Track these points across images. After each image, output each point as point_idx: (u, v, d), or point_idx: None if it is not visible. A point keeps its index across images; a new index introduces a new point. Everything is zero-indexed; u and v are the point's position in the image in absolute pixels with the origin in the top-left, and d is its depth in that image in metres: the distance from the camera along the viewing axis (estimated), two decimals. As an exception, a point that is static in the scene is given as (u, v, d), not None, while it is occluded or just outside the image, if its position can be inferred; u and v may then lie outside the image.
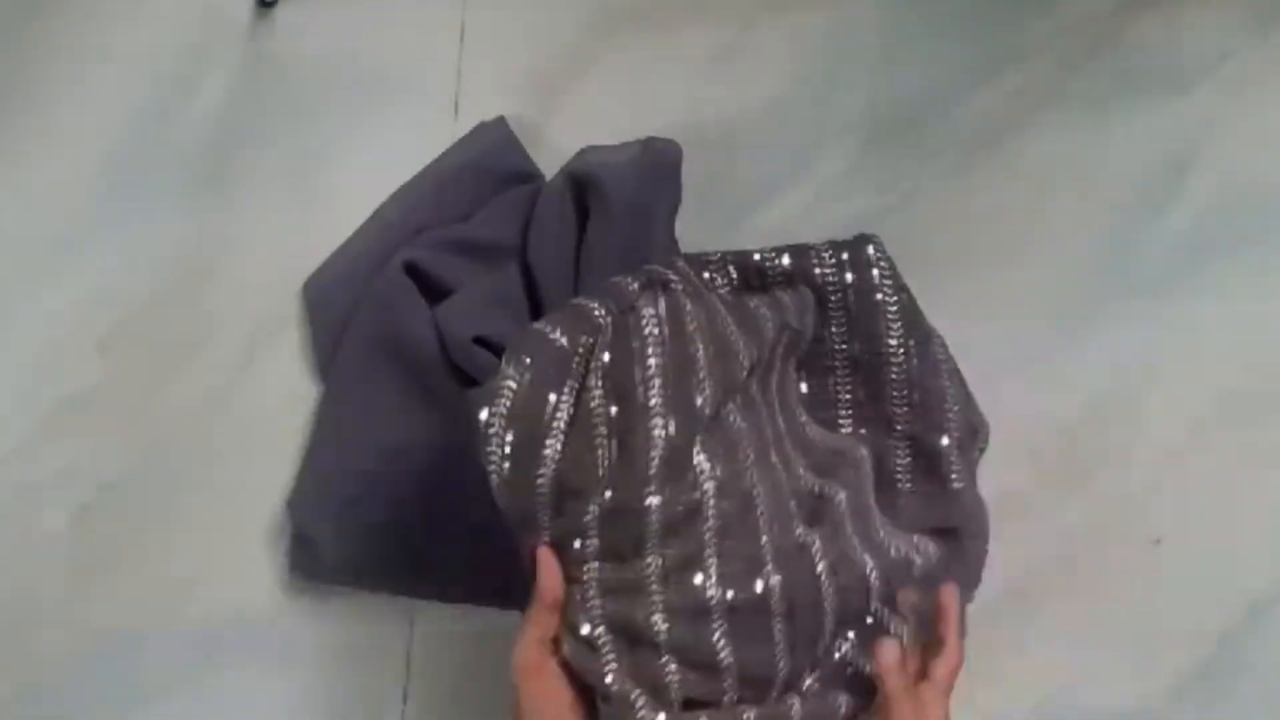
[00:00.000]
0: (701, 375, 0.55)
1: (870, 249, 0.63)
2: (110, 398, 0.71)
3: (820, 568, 0.56)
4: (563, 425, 0.54)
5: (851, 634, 0.59)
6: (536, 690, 0.55)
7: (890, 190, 0.73)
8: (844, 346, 0.64)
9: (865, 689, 0.57)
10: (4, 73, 0.71)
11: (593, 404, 0.54)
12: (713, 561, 0.54)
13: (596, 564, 0.55)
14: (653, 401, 0.54)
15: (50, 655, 0.70)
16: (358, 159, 0.73)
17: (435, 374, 0.68)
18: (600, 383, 0.54)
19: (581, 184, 0.69)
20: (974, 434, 0.65)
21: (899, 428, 0.64)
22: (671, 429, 0.53)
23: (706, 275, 0.64)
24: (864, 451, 0.63)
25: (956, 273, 0.72)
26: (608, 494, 0.54)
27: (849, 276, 0.63)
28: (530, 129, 0.73)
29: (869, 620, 0.59)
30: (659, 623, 0.54)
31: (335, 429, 0.70)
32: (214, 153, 0.72)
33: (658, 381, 0.54)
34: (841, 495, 0.59)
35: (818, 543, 0.57)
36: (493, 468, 0.54)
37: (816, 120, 0.73)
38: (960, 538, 0.63)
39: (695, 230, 0.72)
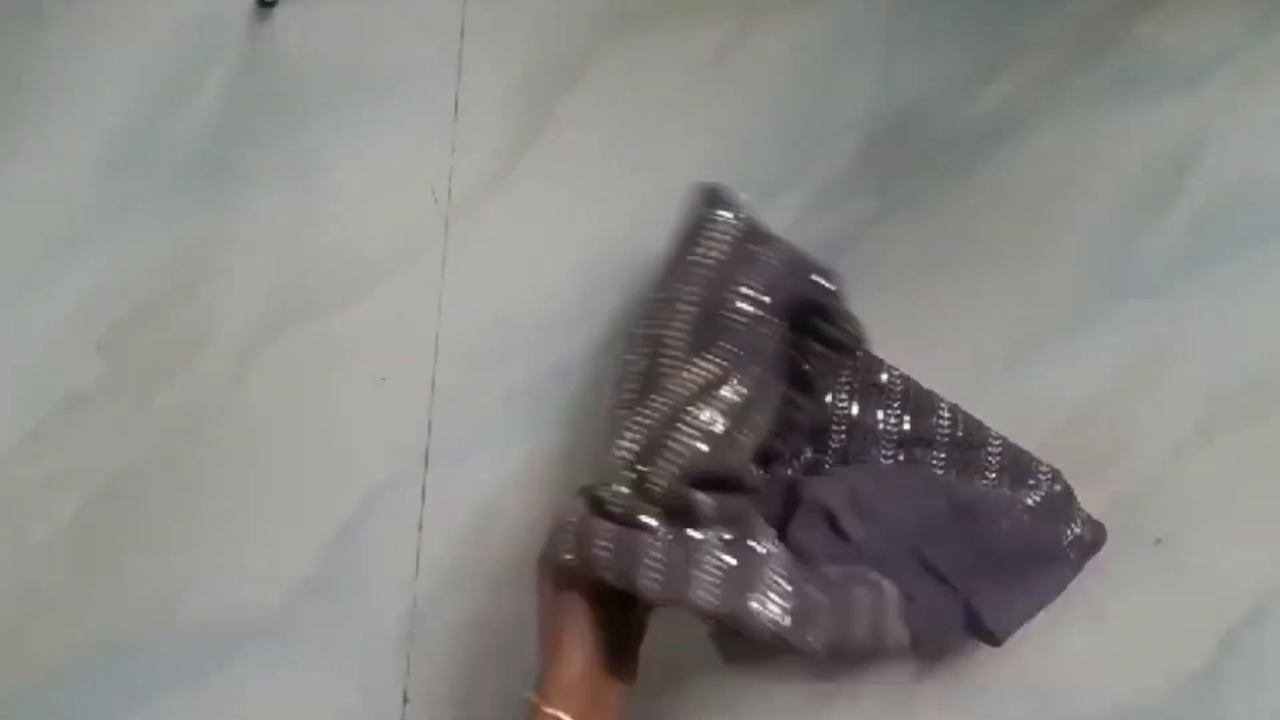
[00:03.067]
0: None
1: None
2: (110, 398, 0.71)
3: None
4: None
5: None
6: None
7: (890, 190, 0.73)
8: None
9: None
10: (4, 73, 0.71)
11: None
12: None
13: None
14: None
15: (49, 655, 0.70)
16: (357, 159, 0.73)
17: None
18: None
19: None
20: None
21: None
22: None
23: None
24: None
25: (956, 273, 0.72)
26: None
27: None
28: (531, 129, 0.73)
29: None
30: None
31: None
32: (214, 152, 0.72)
33: None
34: None
35: None
36: None
37: (816, 120, 0.73)
38: None
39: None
